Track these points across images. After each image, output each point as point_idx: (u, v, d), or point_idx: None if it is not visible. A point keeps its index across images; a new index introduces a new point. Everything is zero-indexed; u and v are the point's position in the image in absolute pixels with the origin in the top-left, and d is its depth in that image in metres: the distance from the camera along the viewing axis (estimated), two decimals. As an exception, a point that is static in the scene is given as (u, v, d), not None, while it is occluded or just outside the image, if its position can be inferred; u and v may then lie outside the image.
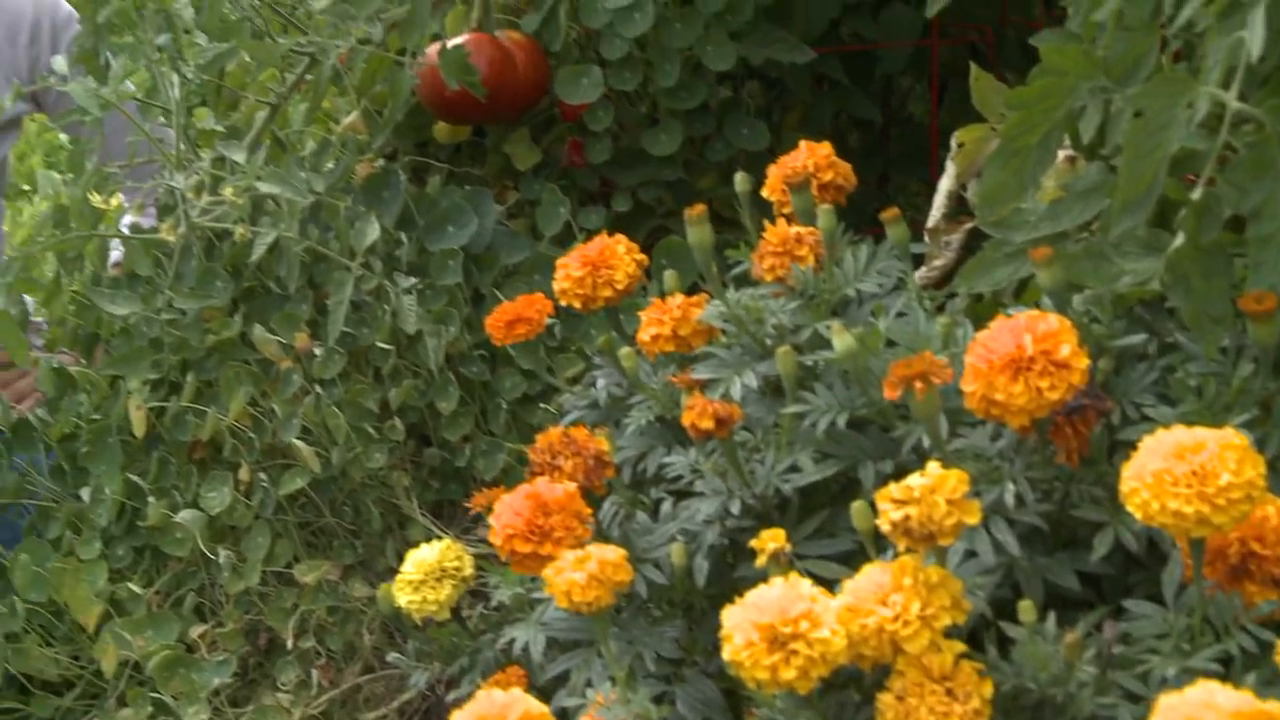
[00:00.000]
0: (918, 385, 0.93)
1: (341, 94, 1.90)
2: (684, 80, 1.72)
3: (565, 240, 1.70)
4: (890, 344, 1.06)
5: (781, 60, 1.74)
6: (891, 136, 2.00)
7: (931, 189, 1.87)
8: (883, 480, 0.96)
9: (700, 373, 1.12)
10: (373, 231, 1.54)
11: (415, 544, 1.26)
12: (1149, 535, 0.91)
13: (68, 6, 1.94)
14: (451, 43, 1.67)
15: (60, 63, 1.58)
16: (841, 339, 1.02)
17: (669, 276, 1.24)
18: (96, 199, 1.48)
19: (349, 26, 1.66)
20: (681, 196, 1.82)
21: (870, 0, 1.85)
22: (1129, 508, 0.83)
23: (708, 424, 1.02)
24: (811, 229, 1.14)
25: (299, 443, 1.54)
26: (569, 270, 1.23)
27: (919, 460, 0.95)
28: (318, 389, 1.56)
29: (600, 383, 1.28)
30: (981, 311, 1.12)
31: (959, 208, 1.36)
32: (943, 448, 0.97)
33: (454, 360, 1.61)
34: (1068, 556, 0.95)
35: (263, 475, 1.58)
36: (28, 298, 1.68)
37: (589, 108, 1.74)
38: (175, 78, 1.51)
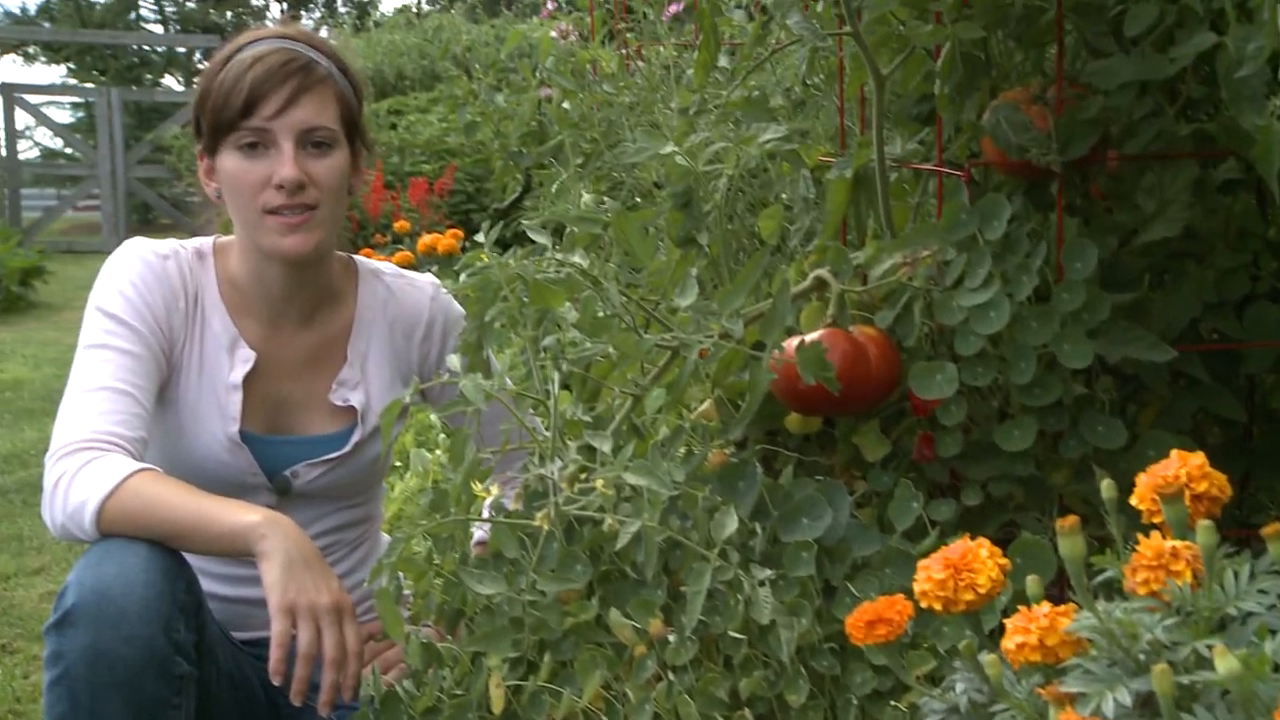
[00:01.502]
0: (1314, 718, 0.89)
1: (696, 383, 1.98)
2: (1038, 376, 1.72)
3: (915, 534, 1.70)
4: (1277, 668, 1.02)
5: (1140, 358, 1.72)
6: (1255, 434, 1.93)
7: (1301, 490, 1.80)
8: (1274, 815, 0.91)
9: (1070, 685, 1.09)
10: (731, 523, 1.59)
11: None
12: None
13: (459, 308, 2.11)
14: (809, 338, 1.72)
15: (454, 361, 1.72)
16: (1225, 661, 0.98)
17: (1032, 582, 1.23)
18: (478, 487, 1.58)
19: (710, 322, 1.74)
20: (1033, 492, 1.80)
21: (1233, 298, 1.82)
22: None
23: (1080, 742, 0.99)
24: (1187, 543, 1.11)
25: (650, 729, 1.57)
26: (930, 573, 1.23)
27: (1314, 796, 0.89)
28: (670, 675, 1.59)
29: (960, 686, 1.26)
30: (1377, 637, 1.06)
31: (1342, 519, 1.30)
32: (1342, 785, 0.91)
33: (804, 652, 1.61)
34: None
35: (613, 758, 1.60)
36: (400, 574, 1.78)
37: (941, 402, 1.76)
38: (556, 375, 1.61)
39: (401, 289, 2.13)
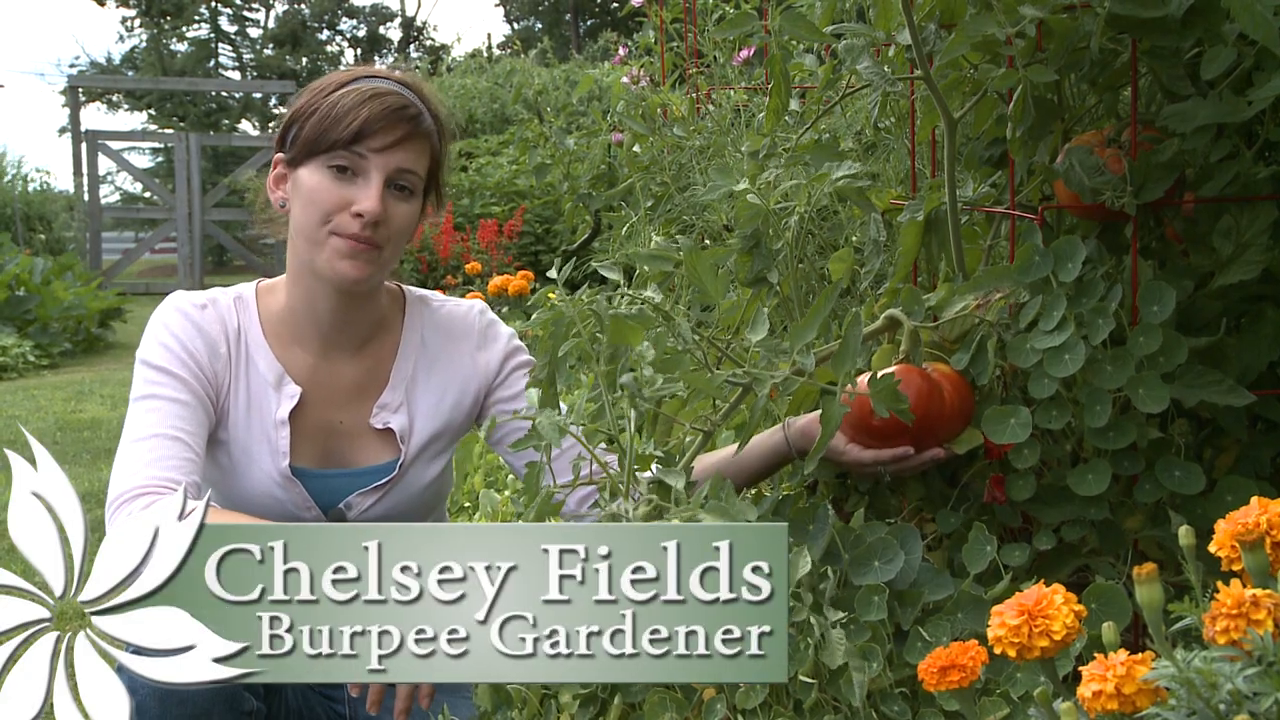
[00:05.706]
0: (1401, 769, 0.87)
1: (767, 420, 1.97)
2: (1113, 420, 1.70)
3: (987, 578, 1.68)
4: (1362, 718, 1.00)
5: (1217, 402, 1.70)
6: (1337, 480, 1.90)
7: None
8: None
9: (1147, 734, 1.08)
10: (804, 565, 1.58)
11: None
12: None
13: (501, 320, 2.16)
14: (882, 372, 1.71)
15: (533, 395, 1.73)
16: (1307, 710, 0.96)
17: (1108, 629, 1.21)
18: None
19: (781, 360, 1.73)
20: (1107, 536, 1.78)
21: (1313, 342, 1.79)
22: None
23: (1159, 792, 0.98)
24: (1269, 591, 1.09)
25: (719, 771, 1.56)
26: (1005, 618, 1.22)
27: None
28: (740, 718, 1.58)
29: (1034, 734, 1.25)
30: None
31: None
32: None
33: (875, 697, 1.60)
34: None
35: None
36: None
37: (1014, 445, 1.74)
38: (632, 412, 1.61)
39: (449, 311, 2.16)
